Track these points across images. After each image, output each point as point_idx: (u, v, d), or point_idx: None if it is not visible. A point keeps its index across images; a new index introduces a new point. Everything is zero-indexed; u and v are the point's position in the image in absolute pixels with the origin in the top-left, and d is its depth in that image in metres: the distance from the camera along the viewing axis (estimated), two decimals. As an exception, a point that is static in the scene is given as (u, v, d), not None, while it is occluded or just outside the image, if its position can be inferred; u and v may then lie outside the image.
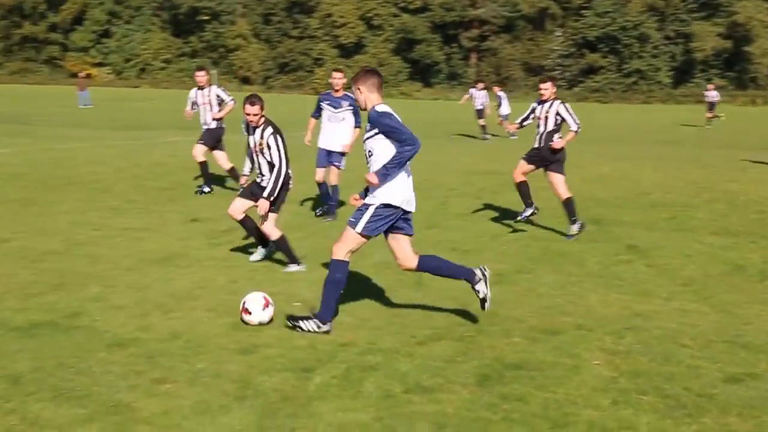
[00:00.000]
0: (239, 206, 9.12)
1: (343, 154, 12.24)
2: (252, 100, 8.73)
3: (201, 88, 14.45)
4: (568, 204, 10.88)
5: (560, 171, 10.96)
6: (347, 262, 6.65)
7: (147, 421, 4.81)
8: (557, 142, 10.85)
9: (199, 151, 14.47)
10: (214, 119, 14.39)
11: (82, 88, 46.11)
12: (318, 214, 12.49)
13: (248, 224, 9.20)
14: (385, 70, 62.85)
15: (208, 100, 14.38)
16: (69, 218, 11.69)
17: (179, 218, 12.00)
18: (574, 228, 10.81)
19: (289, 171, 8.88)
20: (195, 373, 5.61)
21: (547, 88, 11.00)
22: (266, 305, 6.77)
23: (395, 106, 7.09)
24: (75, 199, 13.41)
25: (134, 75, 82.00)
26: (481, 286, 6.79)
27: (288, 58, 77.63)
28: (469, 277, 6.84)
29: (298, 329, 6.55)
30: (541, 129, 11.02)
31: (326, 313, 6.58)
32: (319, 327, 6.53)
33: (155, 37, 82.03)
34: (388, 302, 7.58)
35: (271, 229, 8.86)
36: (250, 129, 8.89)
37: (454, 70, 75.77)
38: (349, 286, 6.98)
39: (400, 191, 6.56)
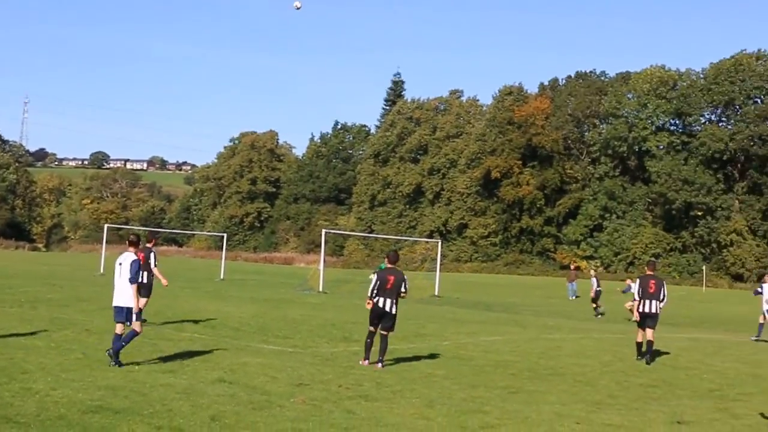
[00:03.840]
0: None
1: None
2: None
3: None
4: None
5: None
6: None
7: None
8: None
9: None
10: None
11: (572, 280, 47.75)
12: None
13: None
14: None
15: None
16: (553, 409, 11.87)
17: (663, 418, 11.54)
18: None
19: None
20: None
21: None
22: None
23: None
24: (560, 390, 13.62)
25: (622, 268, 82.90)
26: None
27: (787, 255, 73.01)
28: None
29: None
30: None
31: None
32: None
33: (646, 231, 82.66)
34: None
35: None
36: None
37: None
38: None
39: None
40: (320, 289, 36.78)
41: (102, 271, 43.60)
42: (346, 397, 11.89)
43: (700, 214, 79.68)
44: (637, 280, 19.04)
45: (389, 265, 15.73)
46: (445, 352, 17.60)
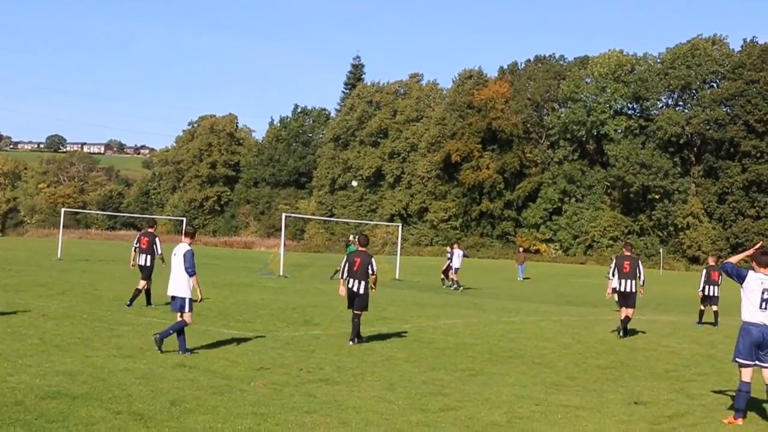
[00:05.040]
0: None
1: None
2: None
3: None
4: None
5: None
6: None
7: None
8: None
9: None
10: None
11: (521, 262, 49.13)
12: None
13: None
14: None
15: None
16: (513, 390, 11.99)
17: (620, 399, 11.72)
18: None
19: None
20: None
21: None
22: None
23: None
24: (519, 372, 13.76)
25: (581, 251, 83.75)
26: None
27: (742, 238, 74.17)
28: None
29: None
30: None
31: None
32: None
33: (605, 215, 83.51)
34: None
35: None
36: None
37: None
38: None
39: None
40: (281, 273, 36.69)
41: (59, 255, 43.05)
42: (307, 380, 11.90)
43: (657, 197, 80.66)
44: (614, 260, 19.79)
45: (360, 248, 16.36)
46: (407, 335, 17.68)
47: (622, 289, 19.25)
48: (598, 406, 11.15)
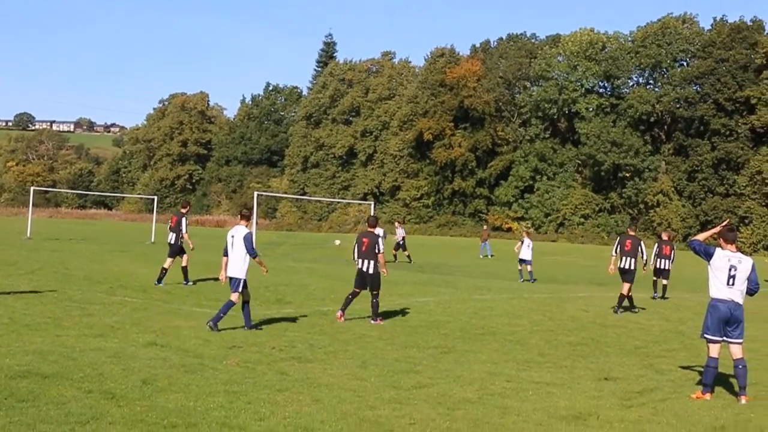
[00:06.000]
0: None
1: None
2: None
3: None
4: None
5: None
6: None
7: None
8: None
9: None
10: None
11: (485, 239, 49.36)
12: None
13: None
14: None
15: None
16: (485, 368, 12.07)
17: (590, 375, 11.84)
18: None
19: None
20: None
21: None
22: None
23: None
24: (491, 350, 13.85)
25: (553, 229, 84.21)
26: None
27: (711, 215, 75.00)
28: None
29: None
30: None
31: None
32: None
33: (576, 192, 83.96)
34: None
35: None
36: None
37: None
38: None
39: None
40: (253, 252, 36.60)
41: (29, 234, 42.61)
42: (279, 358, 11.91)
43: (628, 175, 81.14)
44: (617, 239, 21.01)
45: (369, 229, 17.01)
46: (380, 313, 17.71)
47: (623, 266, 20.24)
48: (569, 382, 11.26)
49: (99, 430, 7.62)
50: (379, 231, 36.08)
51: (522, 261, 30.50)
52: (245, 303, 14.70)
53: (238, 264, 14.61)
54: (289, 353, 12.38)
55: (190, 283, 21.55)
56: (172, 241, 22.09)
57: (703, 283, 12.40)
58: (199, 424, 8.02)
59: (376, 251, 16.42)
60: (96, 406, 8.51)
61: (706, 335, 10.78)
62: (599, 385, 11.18)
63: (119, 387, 9.39)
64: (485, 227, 59.21)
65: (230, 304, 14.53)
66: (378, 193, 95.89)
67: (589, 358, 13.49)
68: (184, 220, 22.20)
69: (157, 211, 57.32)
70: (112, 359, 11.00)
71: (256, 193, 44.24)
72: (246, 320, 14.68)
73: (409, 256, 39.55)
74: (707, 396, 10.54)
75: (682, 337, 16.19)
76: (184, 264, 21.96)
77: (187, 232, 22.21)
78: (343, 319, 16.29)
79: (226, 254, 14.93)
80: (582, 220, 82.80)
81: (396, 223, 43.37)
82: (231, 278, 14.71)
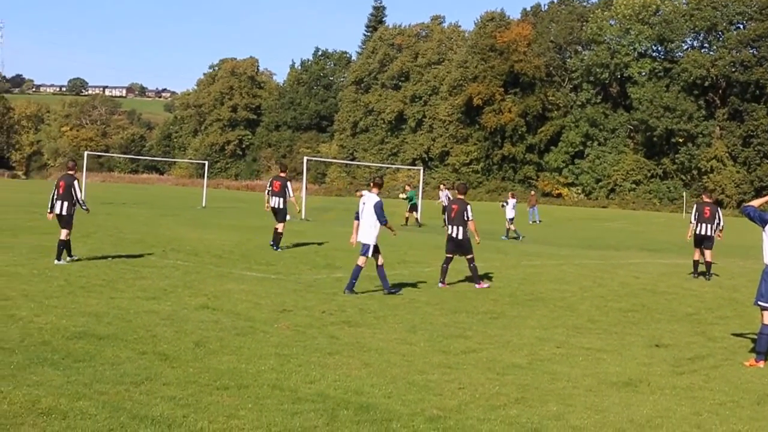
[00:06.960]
0: None
1: None
2: None
3: None
4: None
5: None
6: None
7: None
8: None
9: None
10: None
11: (532, 205, 48.86)
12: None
13: None
14: None
15: None
16: (534, 333, 12.04)
17: (641, 342, 11.75)
18: None
19: None
20: None
21: None
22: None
23: None
24: (540, 315, 13.81)
25: (604, 195, 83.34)
26: None
27: (766, 181, 73.56)
28: None
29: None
30: None
31: None
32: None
33: (627, 158, 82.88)
34: None
35: None
36: None
37: None
38: None
39: None
40: (303, 217, 36.82)
41: (83, 198, 43.30)
42: (329, 322, 12.00)
43: (681, 140, 79.84)
44: (694, 206, 21.01)
45: (459, 197, 17.41)
46: (428, 278, 17.74)
47: (701, 233, 20.23)
48: (619, 348, 11.19)
49: (153, 391, 7.77)
50: (443, 196, 36.39)
51: (511, 221, 34.22)
52: (380, 266, 15.19)
53: (368, 230, 15.05)
54: (339, 317, 12.47)
55: (279, 250, 21.63)
56: (280, 206, 22.28)
57: (757, 250, 12.19)
58: (250, 386, 8.13)
59: (465, 218, 16.67)
60: (150, 367, 8.68)
61: (759, 302, 10.62)
62: (650, 351, 11.09)
63: (172, 349, 9.55)
64: (533, 192, 58.67)
65: (358, 269, 15.03)
66: (427, 159, 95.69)
67: (639, 324, 13.38)
68: (288, 184, 22.62)
69: (208, 176, 57.87)
70: (165, 321, 11.19)
71: (305, 158, 44.38)
72: (384, 284, 15.19)
73: (417, 220, 39.33)
74: (761, 364, 10.40)
75: (736, 304, 15.96)
76: (280, 229, 22.11)
77: (292, 195, 22.71)
78: (442, 284, 16.77)
79: (357, 218, 15.29)
80: (633, 186, 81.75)
81: (441, 186, 43.44)
82: (361, 243, 15.16)
